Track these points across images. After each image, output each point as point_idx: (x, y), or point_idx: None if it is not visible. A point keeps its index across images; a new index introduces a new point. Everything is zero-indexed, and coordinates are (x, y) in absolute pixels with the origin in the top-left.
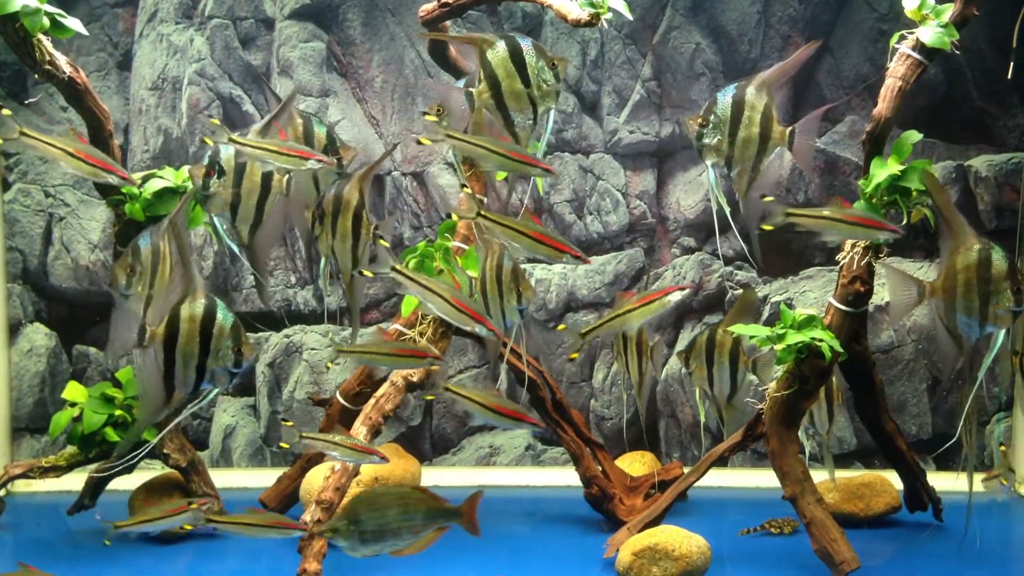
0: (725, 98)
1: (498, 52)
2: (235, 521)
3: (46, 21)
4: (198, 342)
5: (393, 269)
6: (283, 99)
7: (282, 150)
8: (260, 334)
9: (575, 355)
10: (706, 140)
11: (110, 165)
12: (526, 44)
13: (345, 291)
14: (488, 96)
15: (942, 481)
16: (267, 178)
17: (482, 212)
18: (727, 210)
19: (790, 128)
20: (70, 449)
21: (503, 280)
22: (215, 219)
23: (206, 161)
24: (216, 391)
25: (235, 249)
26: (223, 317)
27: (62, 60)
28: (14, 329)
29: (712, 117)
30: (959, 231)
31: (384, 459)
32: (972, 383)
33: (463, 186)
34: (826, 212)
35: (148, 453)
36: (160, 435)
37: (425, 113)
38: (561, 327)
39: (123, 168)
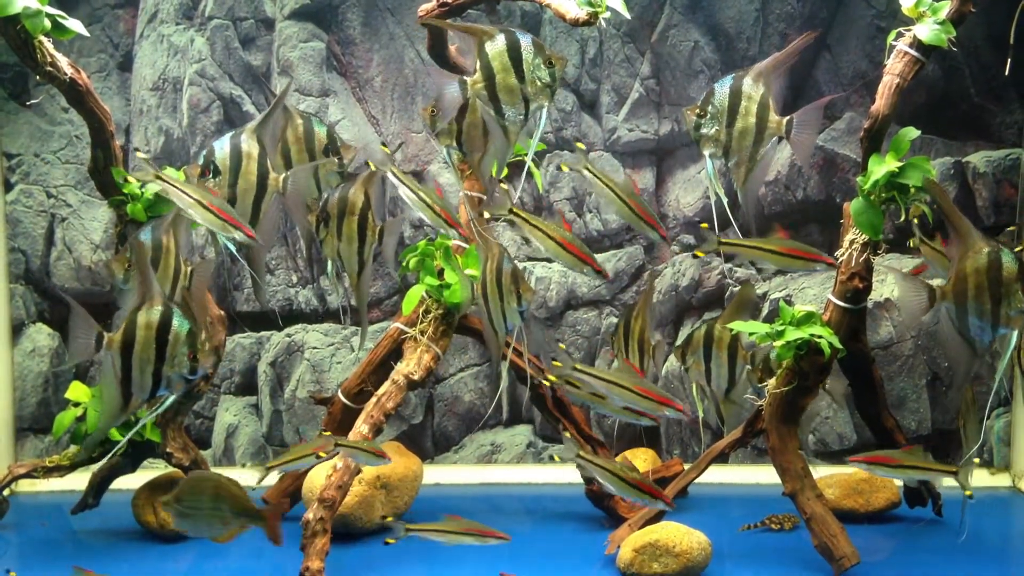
0: (723, 88)
1: (496, 45)
2: (432, 528)
3: (47, 23)
4: (154, 349)
5: (511, 211)
6: (281, 98)
7: (438, 210)
8: (262, 333)
9: (701, 253)
10: (704, 130)
11: (238, 222)
12: (525, 40)
13: (351, 291)
14: (481, 87)
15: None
16: (263, 177)
17: (514, 209)
18: (725, 200)
19: (787, 118)
20: (73, 449)
21: (503, 282)
22: None
23: (201, 160)
24: (173, 397)
25: (232, 249)
26: (179, 324)
27: (64, 61)
28: (17, 330)
29: (710, 107)
30: (967, 235)
31: (388, 459)
32: (973, 383)
33: (482, 195)
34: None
35: (151, 453)
36: (123, 441)
37: (432, 111)
38: (703, 225)
39: (243, 224)
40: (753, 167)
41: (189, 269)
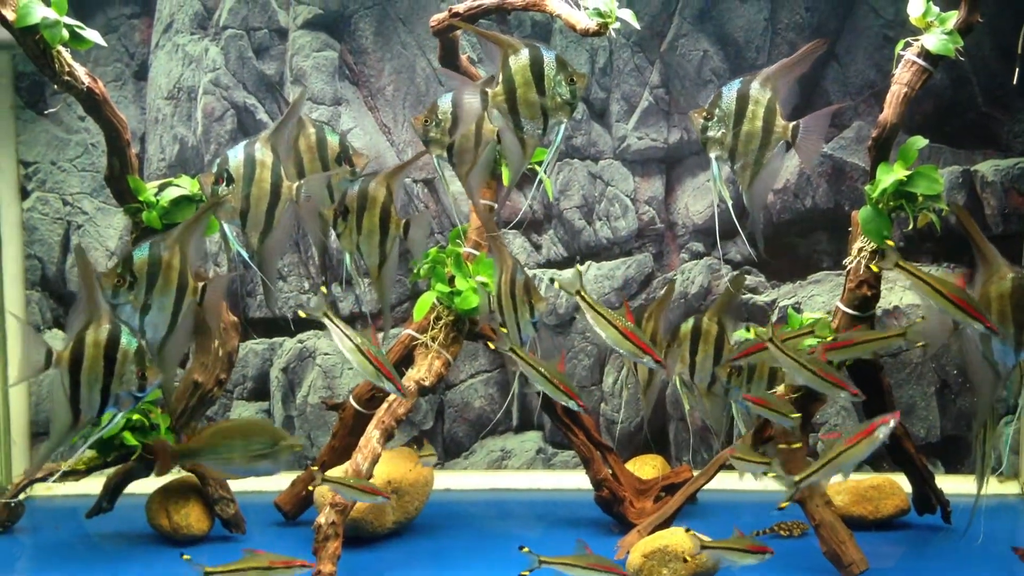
0: (730, 92)
1: (520, 59)
2: (563, 562)
3: (65, 33)
4: (102, 366)
5: (578, 293)
6: (295, 107)
7: (557, 383)
8: (274, 339)
9: (876, 267)
10: (710, 133)
11: (393, 376)
12: (548, 56)
13: (373, 288)
14: (502, 99)
15: (951, 484)
16: (277, 185)
17: (582, 293)
18: (729, 202)
19: (794, 123)
20: (89, 453)
21: (516, 294)
22: (225, 226)
23: (215, 169)
24: (121, 415)
25: (244, 255)
26: (127, 342)
27: (81, 71)
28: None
29: (717, 111)
30: (992, 261)
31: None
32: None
33: (493, 204)
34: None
35: None
36: (71, 462)
37: (427, 120)
38: (890, 243)
39: (396, 379)
40: (758, 171)
41: (201, 284)
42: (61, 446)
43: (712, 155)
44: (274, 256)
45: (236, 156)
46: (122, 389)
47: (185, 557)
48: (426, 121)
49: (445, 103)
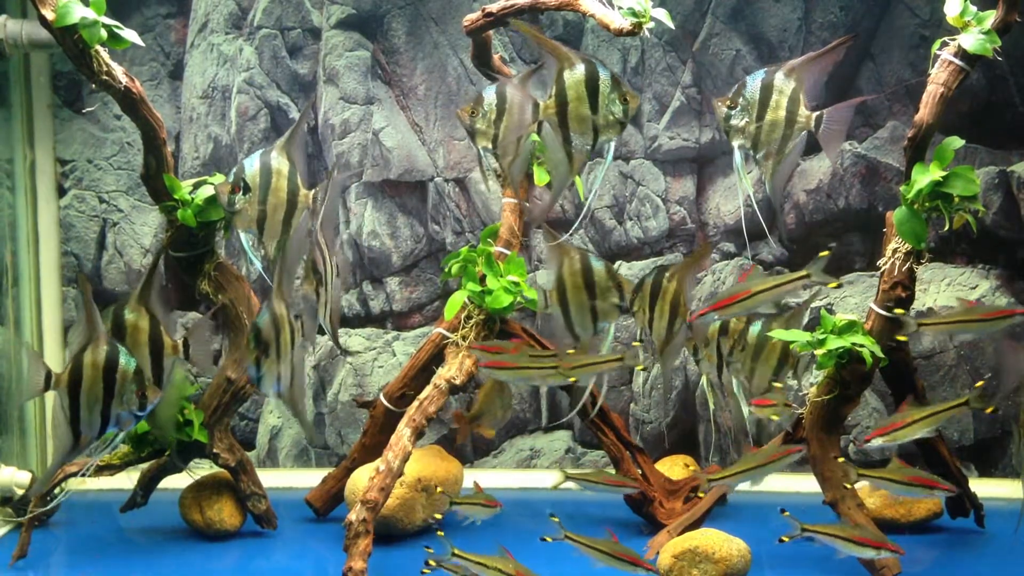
0: (754, 81)
1: (575, 73)
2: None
3: (104, 33)
4: (102, 387)
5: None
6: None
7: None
8: None
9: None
10: (733, 122)
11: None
12: (604, 74)
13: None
14: (553, 112)
15: (984, 487)
16: (293, 194)
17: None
18: (751, 190)
19: (817, 113)
20: (123, 448)
21: (597, 280)
22: (241, 235)
23: (231, 178)
24: (123, 434)
25: (258, 265)
26: (126, 362)
27: (118, 70)
28: (69, 331)
29: (741, 100)
30: None
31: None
32: None
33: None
34: None
35: (199, 453)
36: (65, 477)
37: (472, 112)
38: None
39: None
40: (781, 160)
41: (182, 340)
42: (64, 465)
43: (735, 144)
44: (292, 265)
45: (252, 165)
46: (123, 409)
47: (439, 531)
48: (472, 112)
49: (490, 95)
